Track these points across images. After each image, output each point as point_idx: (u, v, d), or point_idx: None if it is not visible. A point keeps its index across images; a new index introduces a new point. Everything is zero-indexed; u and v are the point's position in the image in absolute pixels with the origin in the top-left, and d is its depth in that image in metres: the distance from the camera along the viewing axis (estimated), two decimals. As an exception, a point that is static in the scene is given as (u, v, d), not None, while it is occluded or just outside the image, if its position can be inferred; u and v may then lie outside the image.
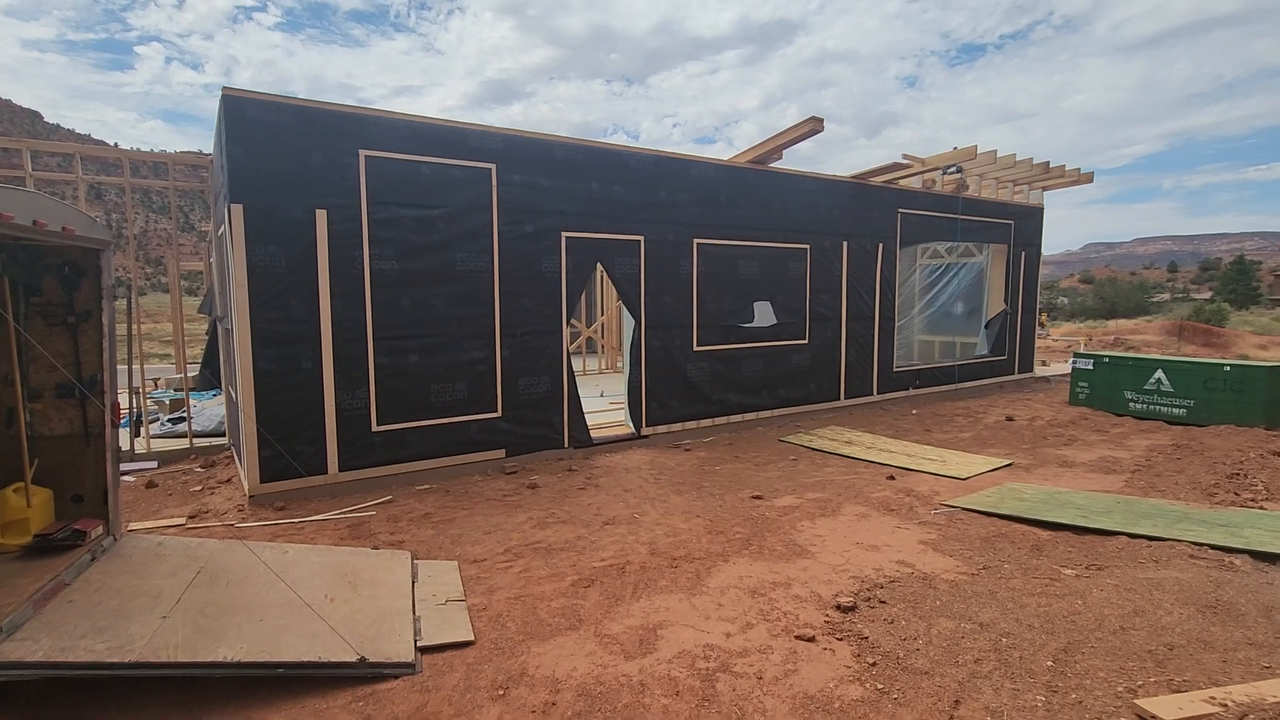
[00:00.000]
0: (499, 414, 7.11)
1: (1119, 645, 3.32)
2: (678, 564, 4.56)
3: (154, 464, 7.39)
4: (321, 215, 6.00)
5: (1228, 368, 9.31)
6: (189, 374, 9.06)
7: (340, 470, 6.22)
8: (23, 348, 3.92)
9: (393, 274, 6.39)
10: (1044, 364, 16.38)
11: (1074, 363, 11.16)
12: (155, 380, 10.80)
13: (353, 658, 3.15)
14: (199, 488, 6.58)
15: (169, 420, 8.75)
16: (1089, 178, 13.10)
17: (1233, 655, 3.19)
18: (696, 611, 3.86)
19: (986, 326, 13.15)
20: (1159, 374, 9.86)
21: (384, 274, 6.34)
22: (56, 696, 2.99)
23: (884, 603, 3.91)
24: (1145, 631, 3.44)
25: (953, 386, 12.08)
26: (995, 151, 11.34)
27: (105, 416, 4.05)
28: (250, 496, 5.87)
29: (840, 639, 3.51)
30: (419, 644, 3.41)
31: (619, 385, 9.37)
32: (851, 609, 3.83)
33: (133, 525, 5.37)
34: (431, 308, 6.62)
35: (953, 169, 11.46)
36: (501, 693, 3.06)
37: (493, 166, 6.88)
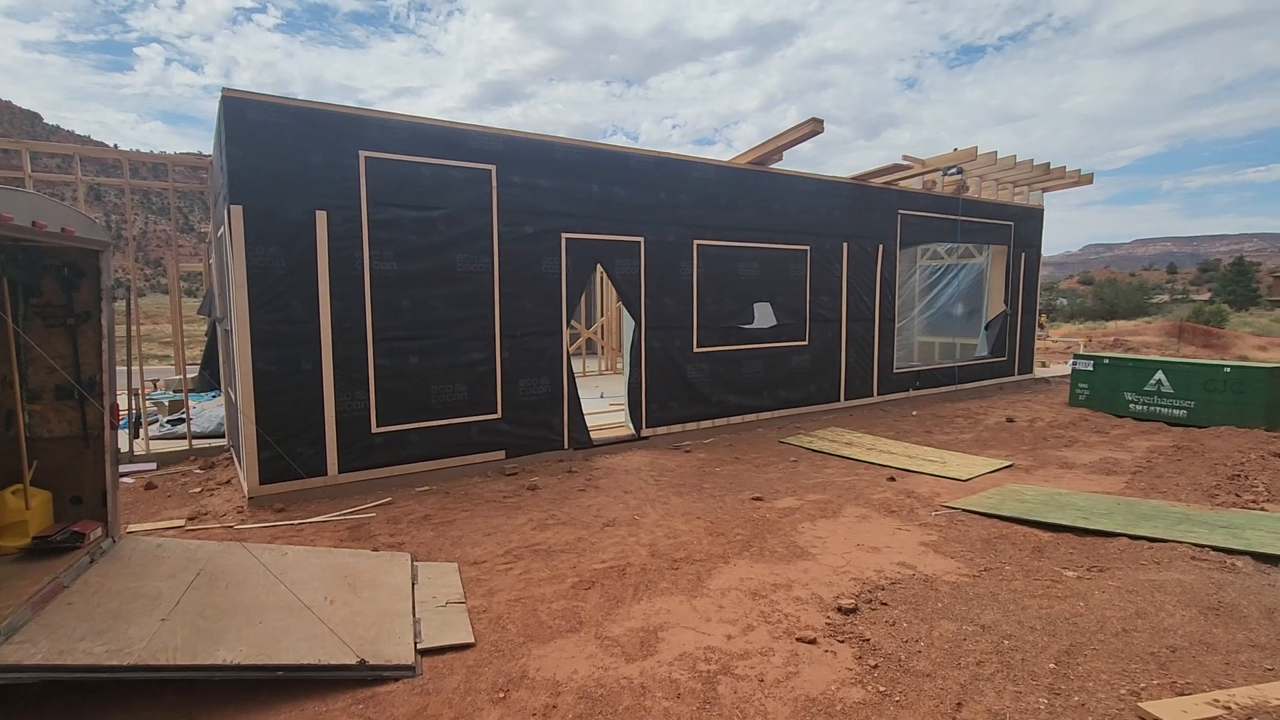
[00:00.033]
0: (499, 415, 7.10)
1: (1121, 647, 3.31)
2: (678, 566, 4.55)
3: (153, 465, 7.38)
4: (321, 216, 5.99)
5: (1228, 369, 9.31)
6: (188, 375, 9.05)
7: (340, 472, 6.21)
8: (22, 349, 3.91)
9: (393, 275, 6.38)
10: (1044, 365, 16.38)
11: (1074, 364, 11.15)
12: (154, 382, 10.79)
13: (352, 660, 3.14)
14: (198, 489, 6.56)
15: (168, 422, 8.74)
16: (1089, 179, 13.10)
17: (1235, 657, 3.18)
18: (697, 613, 3.85)
19: (986, 328, 13.15)
20: (1159, 375, 9.86)
21: (384, 275, 6.34)
22: (55, 699, 2.97)
23: (885, 604, 3.90)
24: (1147, 633, 3.43)
25: (953, 388, 12.07)
26: (995, 153, 11.34)
27: (104, 418, 4.04)
28: (249, 498, 5.86)
29: (842, 641, 3.50)
30: (419, 646, 3.40)
31: (619, 386, 9.36)
32: (853, 611, 3.82)
33: (132, 527, 5.36)
34: (431, 309, 6.61)
35: (953, 170, 11.46)
36: (502, 695, 3.04)
37: (493, 167, 6.88)
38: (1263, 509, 5.62)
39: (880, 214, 10.54)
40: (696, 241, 8.47)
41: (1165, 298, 68.66)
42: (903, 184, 11.03)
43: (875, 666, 3.23)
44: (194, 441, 7.89)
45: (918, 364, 12.48)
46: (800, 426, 9.42)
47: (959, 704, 2.90)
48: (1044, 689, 2.98)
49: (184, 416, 8.04)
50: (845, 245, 10.07)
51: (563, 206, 7.38)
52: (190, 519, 5.65)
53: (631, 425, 8.25)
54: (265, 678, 3.03)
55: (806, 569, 4.49)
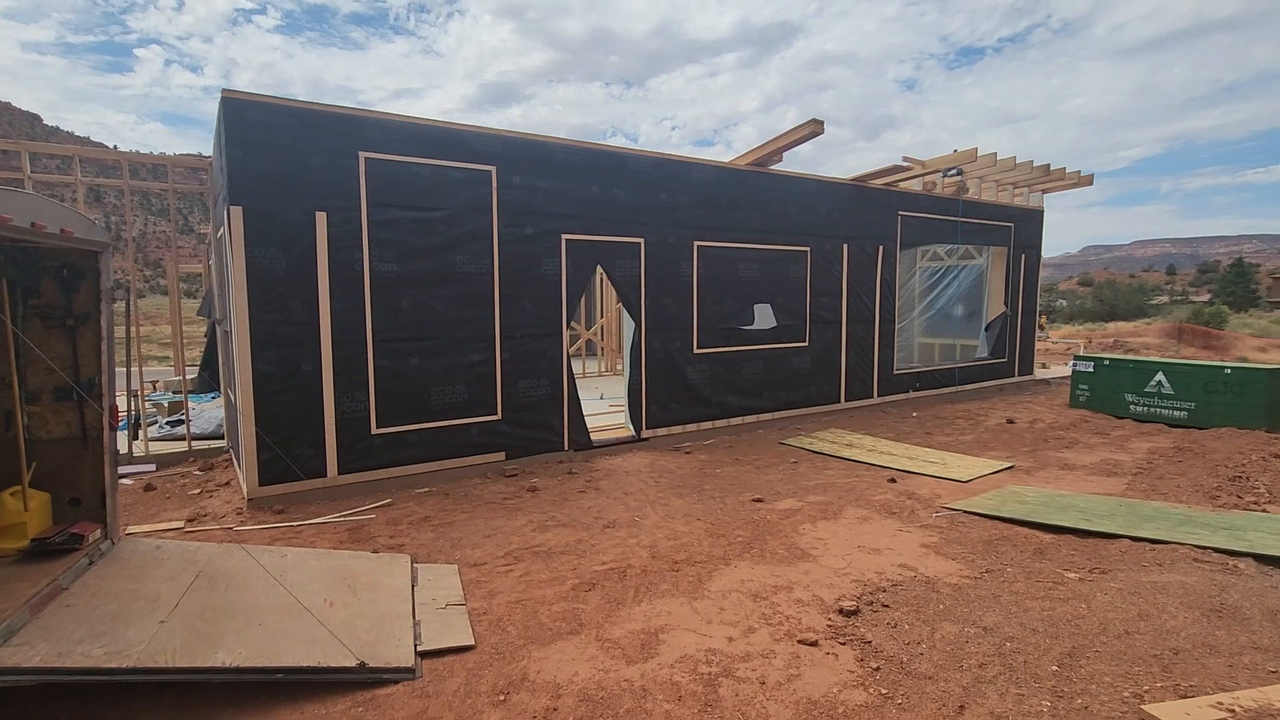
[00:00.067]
0: (499, 416, 7.09)
1: (1124, 649, 3.30)
2: (679, 567, 4.54)
3: (152, 467, 7.36)
4: (321, 217, 5.98)
5: (1228, 370, 9.30)
6: (188, 377, 9.03)
7: (339, 473, 6.20)
8: (21, 350, 3.90)
9: (392, 276, 6.37)
10: (1044, 366, 16.38)
11: (1074, 365, 11.15)
12: (154, 383, 10.77)
13: (352, 663, 3.13)
14: (197, 491, 6.55)
15: (168, 423, 8.73)
16: (1089, 180, 13.10)
17: (1238, 660, 3.17)
18: (698, 615, 3.84)
19: (986, 329, 13.15)
20: (1159, 376, 9.85)
21: (384, 276, 6.33)
22: (53, 702, 2.96)
23: (887, 606, 3.89)
24: (1150, 636, 3.42)
25: (953, 389, 12.06)
26: (995, 154, 11.34)
27: (103, 419, 4.03)
28: (249, 499, 5.84)
29: (843, 643, 3.48)
30: (419, 649, 3.39)
31: (619, 388, 9.35)
32: (854, 613, 3.81)
33: (131, 528, 5.35)
34: (431, 310, 6.60)
35: (953, 171, 11.45)
36: (502, 698, 3.03)
37: (493, 169, 6.87)
38: (1264, 510, 5.61)
39: (880, 215, 10.54)
40: (697, 243, 8.47)
41: (1164, 299, 68.70)
42: (903, 185, 11.03)
43: (877, 669, 3.22)
44: (193, 443, 7.88)
45: (918, 365, 12.48)
46: (800, 428, 9.41)
47: (961, 706, 2.89)
48: (1047, 691, 2.97)
49: (183, 418, 8.02)
50: (845, 246, 10.07)
51: (563, 207, 7.37)
52: (189, 520, 5.64)
53: (632, 427, 8.24)
54: (264, 680, 3.01)
55: (807, 571, 4.47)
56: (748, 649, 3.45)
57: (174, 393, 9.72)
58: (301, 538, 5.19)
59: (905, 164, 10.78)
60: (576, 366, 11.10)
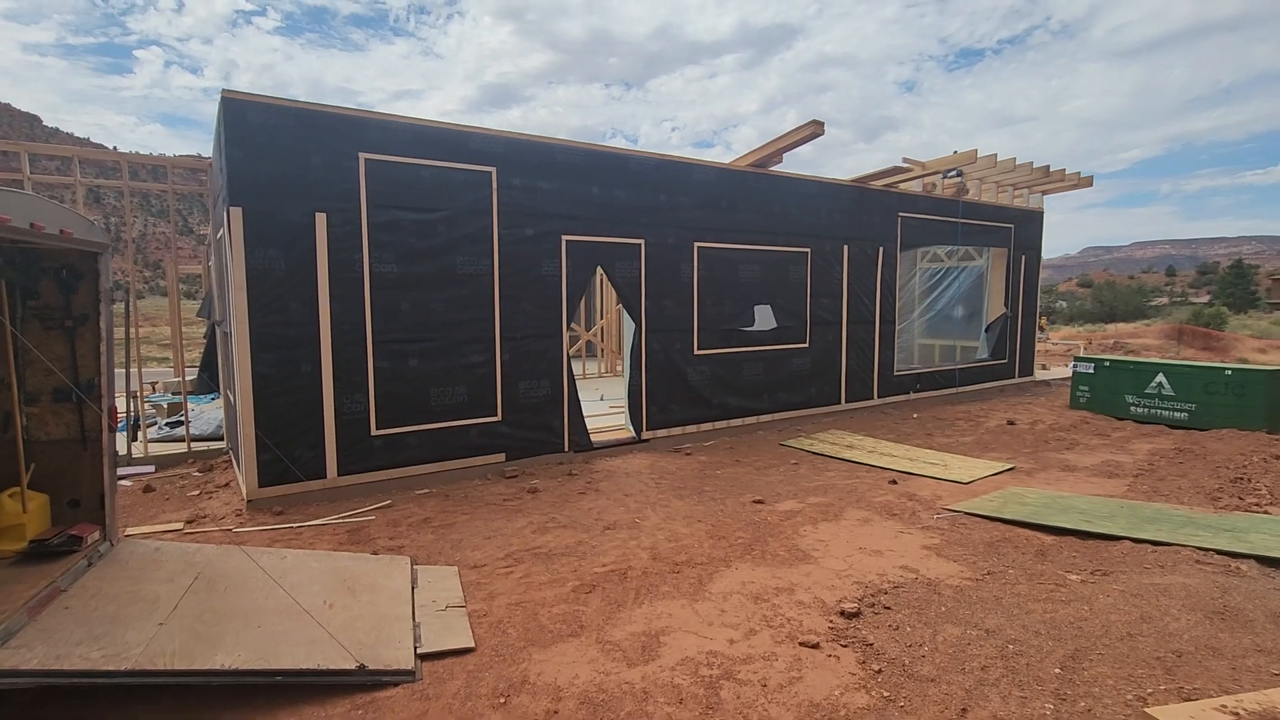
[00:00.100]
0: (499, 418, 7.08)
1: (1127, 652, 3.29)
2: (679, 569, 4.52)
3: (151, 468, 7.35)
4: (321, 218, 5.97)
5: (1229, 372, 9.29)
6: (187, 378, 9.02)
7: (339, 475, 6.19)
8: (19, 351, 3.88)
9: (392, 277, 6.36)
10: (1044, 368, 16.37)
11: (1075, 366, 11.14)
12: (153, 384, 10.75)
13: (352, 665, 3.11)
14: (197, 492, 6.53)
15: (167, 424, 8.71)
16: (1089, 181, 13.10)
17: (1242, 662, 3.16)
18: (699, 618, 3.82)
19: (987, 330, 13.14)
20: (1160, 378, 9.84)
21: (384, 277, 6.32)
22: (51, 705, 2.95)
23: (888, 608, 3.87)
24: (1153, 638, 3.41)
25: (953, 390, 12.06)
26: (995, 155, 11.34)
27: (102, 421, 4.02)
28: (248, 501, 5.83)
29: (845, 645, 3.47)
30: (419, 651, 3.37)
31: (619, 389, 9.34)
32: (856, 615, 3.79)
33: (130, 530, 5.33)
34: (431, 311, 6.59)
35: (953, 173, 11.45)
36: (503, 701, 3.02)
37: (493, 170, 6.86)
38: (1266, 512, 5.60)
39: (880, 216, 10.53)
40: (697, 244, 8.46)
41: (1164, 300, 68.72)
42: (903, 186, 11.03)
43: (879, 671, 3.20)
44: (192, 444, 7.86)
45: (918, 366, 12.47)
46: (801, 429, 9.40)
47: (964, 709, 2.88)
48: (1050, 694, 2.96)
49: (183, 419, 8.01)
50: (845, 248, 10.06)
51: (563, 209, 7.36)
52: (189, 522, 5.62)
53: (632, 428, 8.23)
54: (263, 682, 3.00)
55: (809, 572, 4.46)
56: (749, 651, 3.43)
57: (173, 394, 9.70)
58: (301, 539, 5.17)
59: (905, 165, 10.78)
60: (576, 368, 11.09)
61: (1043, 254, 13.74)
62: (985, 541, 5.00)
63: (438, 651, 3.40)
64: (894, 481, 6.75)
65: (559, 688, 3.11)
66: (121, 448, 7.32)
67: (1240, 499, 5.98)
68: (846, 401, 10.34)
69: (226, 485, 6.68)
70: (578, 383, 7.98)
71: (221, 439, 8.08)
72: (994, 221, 12.40)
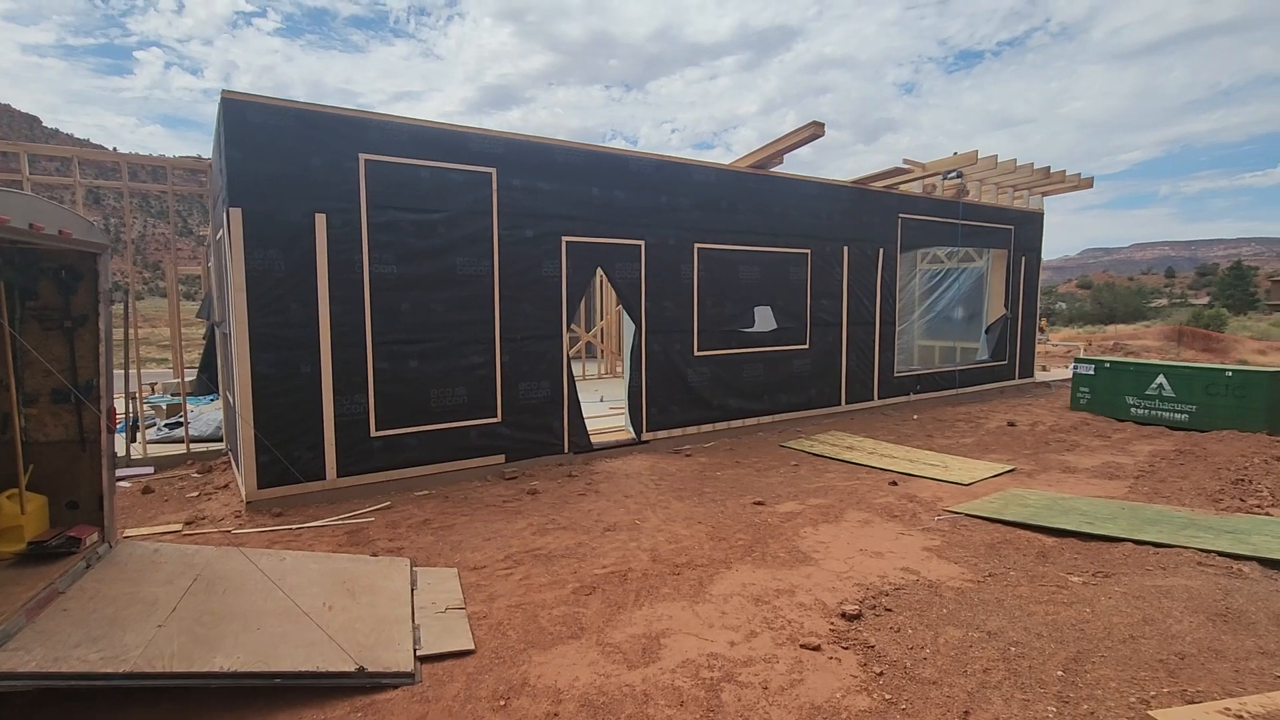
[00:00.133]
0: (499, 419, 7.06)
1: (1129, 654, 3.27)
2: (680, 571, 4.51)
3: (150, 469, 7.33)
4: (321, 219, 5.97)
5: (1229, 373, 9.29)
6: (186, 379, 9.00)
7: (339, 476, 6.17)
8: (18, 352, 3.87)
9: (392, 278, 6.35)
10: (1044, 369, 16.36)
11: (1075, 368, 11.13)
12: (152, 385, 10.74)
13: (351, 667, 3.10)
14: (196, 494, 6.52)
15: (166, 425, 8.69)
16: (1089, 183, 13.10)
17: (1245, 665, 3.15)
18: (700, 620, 3.81)
19: (987, 331, 13.14)
20: (1160, 379, 9.84)
21: (383, 278, 6.31)
22: (49, 707, 2.93)
23: (890, 610, 3.86)
24: (1155, 640, 3.39)
25: (953, 391, 12.05)
26: (996, 157, 11.34)
27: (101, 422, 4.00)
28: (247, 502, 5.81)
29: (846, 648, 3.46)
30: (418, 653, 3.36)
31: (619, 390, 9.33)
32: (857, 617, 3.78)
33: (128, 532, 5.32)
34: (431, 312, 6.58)
35: (953, 174, 11.45)
36: (503, 703, 3.00)
37: (493, 171, 6.86)
38: (1268, 514, 5.59)
39: (881, 218, 10.53)
40: (697, 245, 8.45)
41: (1164, 302, 68.73)
42: (903, 188, 11.02)
43: (881, 674, 3.19)
44: (192, 445, 7.85)
45: (918, 368, 12.47)
46: (801, 430, 9.39)
47: (966, 712, 2.86)
48: (1052, 697, 2.95)
49: (182, 420, 7.99)
50: (846, 249, 10.06)
51: (563, 210, 7.35)
52: (188, 523, 5.61)
53: (632, 429, 8.22)
54: (262, 685, 2.98)
55: (809, 574, 4.45)
56: (750, 653, 3.42)
57: (172, 395, 9.69)
58: (300, 541, 5.16)
59: (905, 166, 10.78)
60: (576, 369, 11.08)
61: (1042, 255, 13.73)
62: (986, 543, 4.99)
63: (437, 654, 3.39)
64: (894, 483, 6.74)
65: (559, 690, 3.10)
66: (120, 449, 7.30)
67: (1242, 501, 5.97)
68: (847, 403, 10.33)
69: (225, 486, 6.67)
70: (577, 384, 7.97)
71: (221, 440, 8.07)
72: (994, 223, 12.40)
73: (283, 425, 5.89)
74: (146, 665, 2.86)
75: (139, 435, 7.87)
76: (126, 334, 7.23)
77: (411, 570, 4.36)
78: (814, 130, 8.54)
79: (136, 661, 2.86)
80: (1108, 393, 10.50)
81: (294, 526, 5.46)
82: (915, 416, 10.61)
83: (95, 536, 3.94)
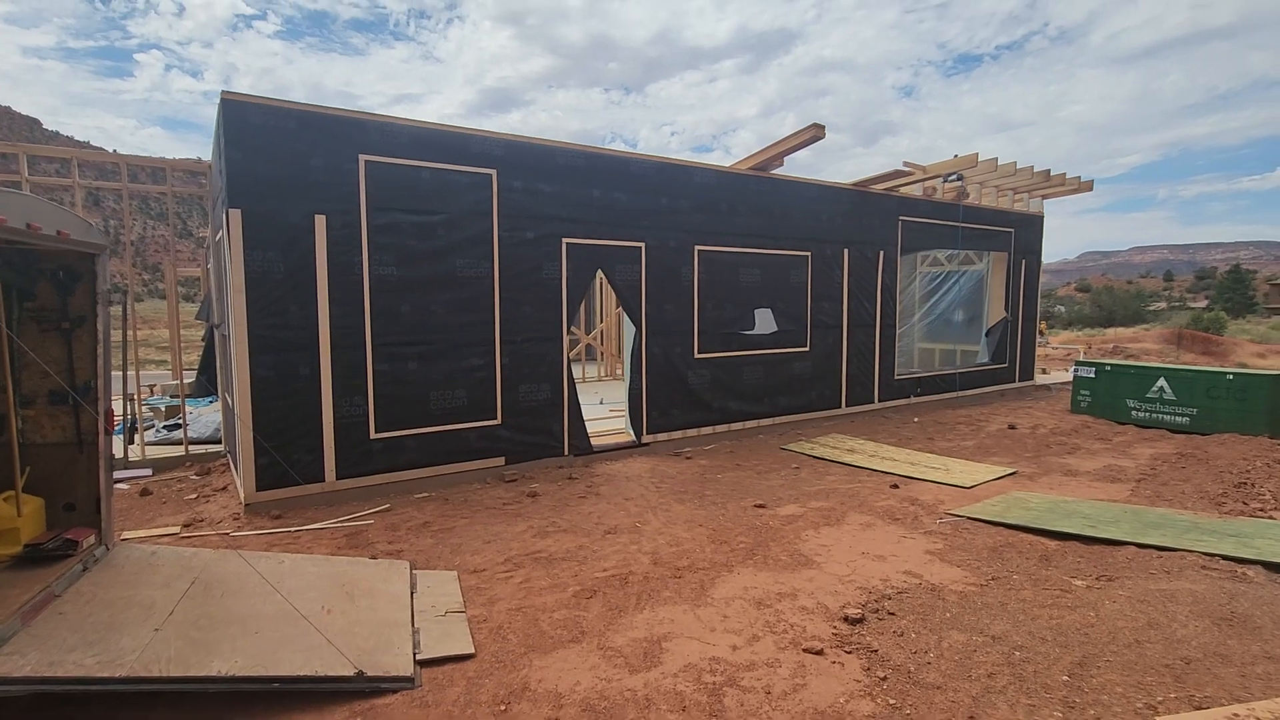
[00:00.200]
0: (499, 421, 7.04)
1: (1135, 659, 3.25)
2: (681, 574, 4.48)
3: (149, 471, 7.30)
4: (320, 220, 5.94)
5: (1230, 376, 9.27)
6: (185, 381, 8.97)
7: (338, 478, 6.14)
8: (15, 354, 3.84)
9: (392, 280, 6.33)
10: (1044, 372, 16.35)
11: (1076, 371, 11.12)
12: (151, 387, 10.71)
13: (350, 671, 3.07)
14: (194, 496, 6.49)
15: (164, 427, 8.66)
16: (1089, 185, 13.11)
17: (1251, 670, 3.12)
18: (701, 623, 3.78)
19: (987, 334, 13.13)
20: (1161, 382, 9.82)
21: (383, 280, 6.28)
22: (45, 711, 2.90)
23: (893, 614, 3.83)
24: (1161, 645, 3.37)
25: (954, 394, 12.03)
26: (996, 159, 11.34)
27: (99, 424, 3.98)
28: (246, 505, 5.78)
29: (849, 652, 3.43)
30: (418, 657, 3.33)
31: (619, 393, 9.31)
32: (859, 621, 3.75)
33: (126, 534, 5.28)
34: (431, 314, 6.55)
35: (954, 176, 11.45)
36: (503, 708, 2.97)
37: (494, 172, 6.84)
38: (1271, 517, 5.57)
39: (881, 220, 10.52)
40: (697, 247, 8.44)
41: (1162, 305, 68.80)
42: (903, 190, 11.02)
43: (884, 678, 3.16)
44: (190, 447, 7.82)
45: (918, 370, 12.44)
46: (801, 433, 9.37)
47: (971, 717, 2.84)
48: (1058, 702, 2.92)
49: (180, 422, 7.96)
50: (846, 251, 10.05)
51: (564, 211, 7.34)
52: (186, 526, 5.58)
53: (632, 432, 8.19)
54: (260, 689, 2.95)
55: (811, 578, 4.42)
56: (752, 658, 3.39)
57: (171, 397, 9.66)
58: (299, 543, 5.13)
59: (906, 169, 10.77)
60: (576, 371, 11.06)
61: (1042, 258, 13.73)
62: (988, 546, 4.96)
63: (437, 658, 3.36)
64: (895, 486, 6.72)
65: (560, 695, 3.07)
66: (118, 451, 7.27)
67: (1245, 504, 5.95)
68: (847, 405, 10.31)
69: (224, 489, 6.63)
70: (577, 386, 7.95)
71: (219, 442, 8.04)
72: (994, 225, 12.40)
73: (282, 427, 5.86)
74: (143, 669, 2.83)
75: (137, 437, 7.84)
76: (125, 335, 7.21)
77: (411, 573, 4.33)
78: (815, 132, 8.53)
79: (133, 666, 2.83)
80: (1108, 396, 10.49)
81: (293, 529, 5.43)
82: (916, 419, 10.59)
83: (92, 539, 3.91)
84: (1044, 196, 13.59)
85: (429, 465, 6.63)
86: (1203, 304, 64.36)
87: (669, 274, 8.22)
